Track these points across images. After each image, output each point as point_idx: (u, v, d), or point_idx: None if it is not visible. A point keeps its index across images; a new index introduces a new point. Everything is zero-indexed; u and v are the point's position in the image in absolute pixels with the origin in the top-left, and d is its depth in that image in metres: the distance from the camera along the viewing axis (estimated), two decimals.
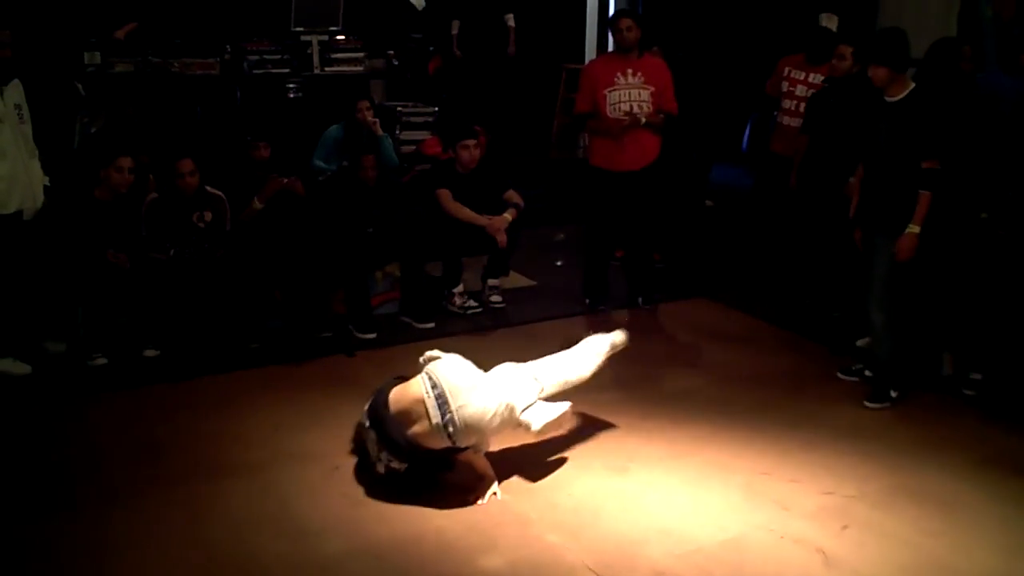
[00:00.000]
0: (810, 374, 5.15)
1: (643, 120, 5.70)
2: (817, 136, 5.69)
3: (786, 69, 6.34)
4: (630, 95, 5.74)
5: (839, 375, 5.01)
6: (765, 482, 3.94)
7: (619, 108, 5.73)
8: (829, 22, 6.36)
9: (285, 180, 5.60)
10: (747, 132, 9.61)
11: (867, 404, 4.71)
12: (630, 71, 5.75)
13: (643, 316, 6.12)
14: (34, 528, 3.55)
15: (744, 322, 6.02)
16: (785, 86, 6.33)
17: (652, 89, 5.77)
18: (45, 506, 3.70)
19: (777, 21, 8.88)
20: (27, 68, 4.95)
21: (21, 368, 4.86)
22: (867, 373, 4.90)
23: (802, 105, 6.13)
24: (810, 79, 6.16)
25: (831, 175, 5.45)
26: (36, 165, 4.89)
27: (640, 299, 6.20)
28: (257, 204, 5.49)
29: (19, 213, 4.79)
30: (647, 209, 6.01)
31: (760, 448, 4.24)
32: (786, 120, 6.32)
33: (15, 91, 4.76)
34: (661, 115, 5.81)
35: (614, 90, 5.74)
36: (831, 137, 5.51)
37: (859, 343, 5.29)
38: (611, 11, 12.20)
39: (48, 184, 4.97)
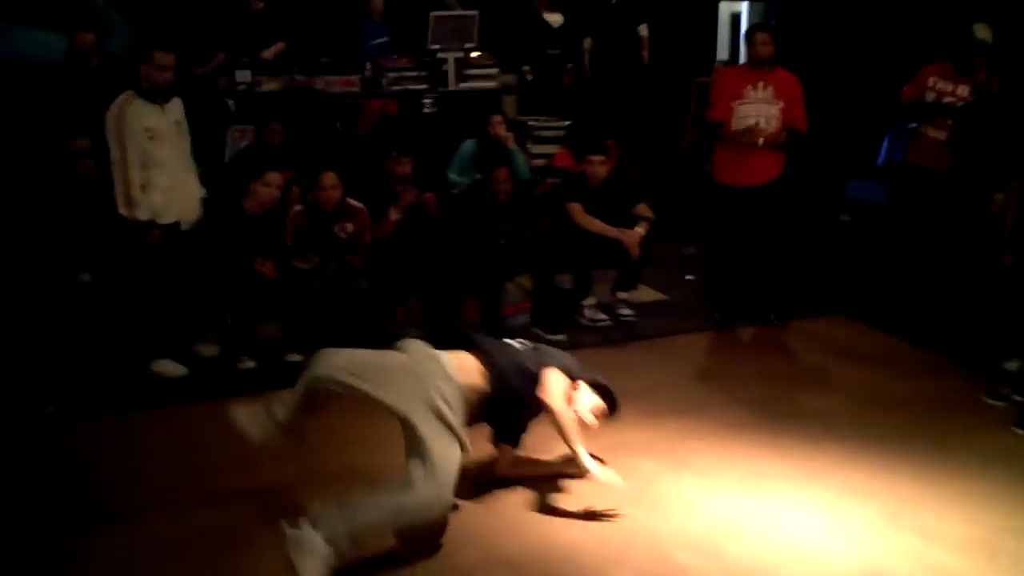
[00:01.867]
0: (954, 397, 4.96)
1: (760, 142, 5.63)
2: (964, 151, 5.49)
3: (931, 79, 6.13)
4: (758, 110, 5.68)
5: (986, 400, 4.81)
6: (906, 509, 3.82)
7: (745, 122, 5.67)
8: (984, 33, 6.11)
9: (422, 194, 5.76)
10: (884, 146, 9.33)
11: (1015, 430, 4.52)
12: (761, 84, 5.68)
13: (775, 333, 6.02)
14: (172, 518, 3.76)
15: (882, 341, 5.85)
16: (930, 96, 6.12)
17: (781, 104, 5.68)
18: (204, 499, 3.90)
19: (919, 29, 8.60)
20: (185, 86, 5.25)
21: (177, 369, 5.15)
22: (1016, 398, 4.68)
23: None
24: (958, 91, 5.95)
25: (979, 191, 5.25)
26: (193, 178, 5.19)
27: (772, 315, 6.10)
28: (393, 215, 5.65)
29: (177, 223, 5.08)
30: (773, 225, 5.92)
31: (900, 473, 4.11)
32: (931, 132, 6.11)
33: (175, 108, 5.06)
34: (784, 133, 5.71)
35: (743, 103, 5.69)
36: (980, 153, 5.31)
37: (1007, 366, 5.07)
38: (743, 24, 12.09)
39: (204, 197, 5.26)
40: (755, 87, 5.69)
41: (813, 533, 3.66)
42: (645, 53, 8.77)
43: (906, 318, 6.05)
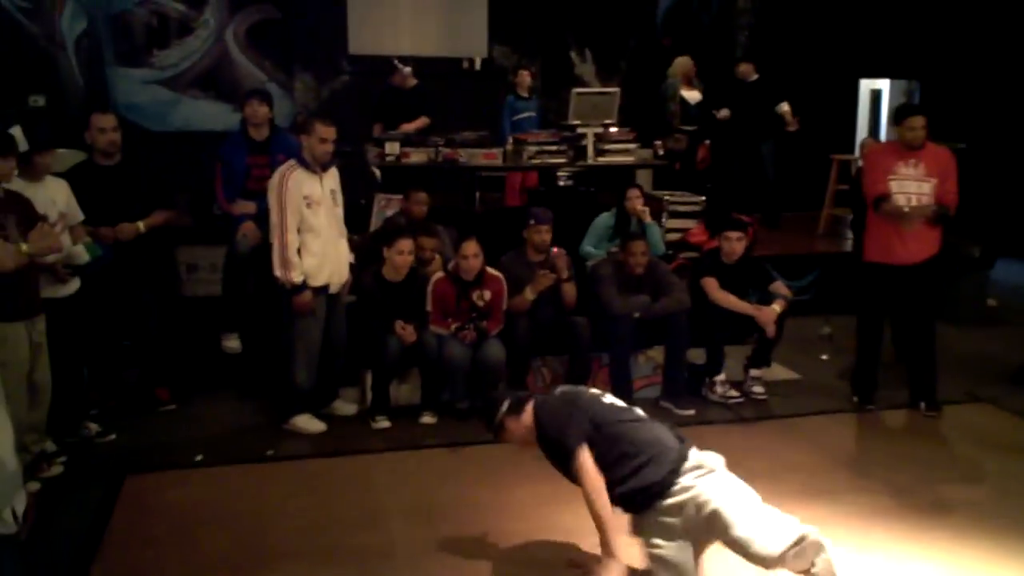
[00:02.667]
0: None
1: (928, 216, 5.53)
2: None
3: None
4: (910, 187, 5.58)
5: None
6: None
7: (898, 199, 5.57)
8: None
9: (554, 249, 5.89)
10: None
11: None
12: (912, 161, 5.58)
13: (914, 418, 5.82)
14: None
15: None
16: None
17: (934, 181, 5.57)
18: (331, 552, 4.05)
19: None
20: (339, 156, 5.56)
21: (317, 426, 5.38)
22: None
23: None
24: None
25: None
26: (344, 244, 5.47)
27: (923, 404, 5.85)
28: (529, 295, 5.77)
29: (327, 286, 5.35)
30: (927, 303, 5.75)
31: None
32: None
33: (332, 177, 5.37)
34: (935, 208, 5.58)
35: (895, 179, 5.59)
36: None
37: None
38: (883, 100, 11.90)
39: (353, 262, 5.54)
40: (907, 163, 5.59)
41: None
42: (793, 125, 8.78)
43: None
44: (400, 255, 5.47)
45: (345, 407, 5.63)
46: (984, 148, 6.84)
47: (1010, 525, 4.33)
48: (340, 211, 5.43)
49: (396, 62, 8.04)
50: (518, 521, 4.36)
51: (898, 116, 5.76)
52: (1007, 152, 7.42)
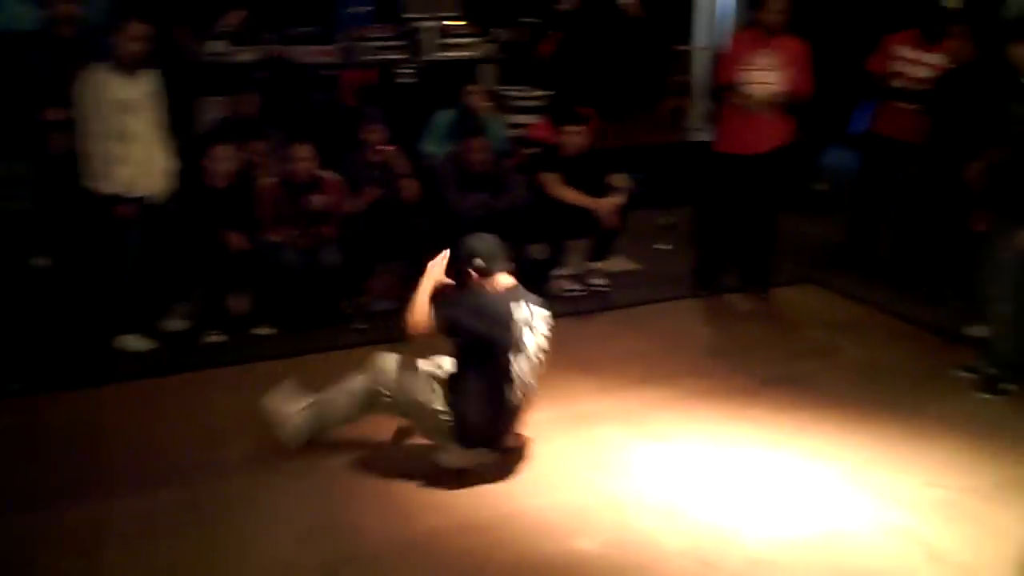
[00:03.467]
0: (921, 363, 5.01)
1: (770, 107, 5.61)
2: (941, 120, 5.48)
3: (897, 48, 6.06)
4: (763, 76, 5.63)
5: (957, 372, 4.79)
6: (869, 471, 3.87)
7: (752, 89, 5.63)
8: (954, 1, 6.03)
9: (386, 148, 5.73)
10: (858, 115, 9.30)
11: (978, 395, 4.56)
12: (766, 51, 5.62)
13: (747, 301, 6.04)
14: (151, 498, 3.77)
15: (854, 310, 5.88)
16: (898, 67, 6.04)
17: (787, 71, 5.63)
18: (163, 477, 3.91)
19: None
20: (156, 58, 5.19)
21: (145, 344, 5.15)
22: (987, 370, 4.65)
23: (914, 87, 5.90)
24: (927, 59, 5.91)
25: (956, 160, 5.26)
26: (165, 151, 5.15)
27: (754, 287, 6.08)
28: (368, 195, 5.63)
29: (146, 196, 5.05)
30: (771, 193, 5.90)
31: (866, 437, 4.16)
32: (898, 103, 6.06)
33: (151, 80, 5.01)
34: (790, 98, 5.67)
35: (749, 70, 5.63)
36: (956, 121, 5.31)
37: (973, 332, 5.10)
38: None
39: (176, 169, 5.23)
40: (760, 54, 5.62)
41: (776, 496, 3.71)
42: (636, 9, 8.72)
43: (877, 286, 6.08)
44: (219, 162, 5.21)
45: (175, 323, 5.39)
46: (816, 39, 6.96)
47: (825, 397, 4.59)
48: (160, 116, 5.10)
49: None
50: (358, 426, 4.31)
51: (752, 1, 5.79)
52: (837, 43, 7.57)
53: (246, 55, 6.85)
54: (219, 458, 4.04)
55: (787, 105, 5.67)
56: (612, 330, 5.56)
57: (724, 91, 5.78)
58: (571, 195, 5.92)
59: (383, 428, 4.26)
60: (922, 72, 5.91)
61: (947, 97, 5.52)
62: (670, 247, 6.99)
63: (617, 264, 6.41)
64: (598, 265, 6.18)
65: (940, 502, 3.64)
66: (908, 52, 6.00)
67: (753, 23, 5.94)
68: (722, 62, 5.88)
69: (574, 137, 6.02)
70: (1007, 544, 3.36)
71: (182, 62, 6.55)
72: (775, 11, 5.58)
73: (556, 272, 6.05)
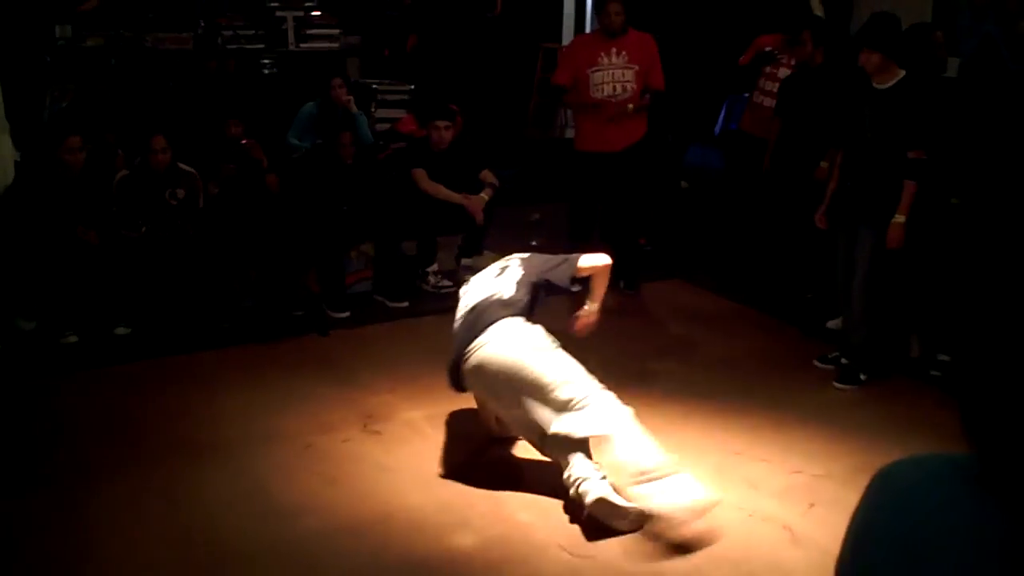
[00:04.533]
0: (782, 356, 5.20)
1: (631, 108, 5.71)
2: (790, 120, 5.72)
3: (767, 49, 6.29)
4: (613, 75, 5.72)
5: (816, 363, 5.00)
6: (736, 462, 3.99)
7: (602, 88, 5.71)
8: (818, 8, 6.29)
9: (244, 141, 5.56)
10: (722, 114, 9.63)
11: (836, 385, 4.77)
12: (614, 51, 5.71)
13: (621, 297, 6.14)
14: (5, 505, 3.54)
15: (718, 304, 6.06)
16: (767, 67, 6.28)
17: (637, 68, 5.74)
18: (17, 483, 3.69)
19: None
20: None
21: None
22: (843, 361, 4.87)
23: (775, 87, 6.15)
24: (793, 63, 6.16)
25: (803, 159, 5.50)
26: (6, 140, 4.85)
27: (622, 283, 6.18)
28: (212, 190, 5.44)
29: None
30: (632, 190, 6.01)
31: (732, 429, 4.28)
32: (767, 102, 6.30)
33: None
34: (647, 96, 5.80)
35: (597, 70, 5.71)
36: (804, 122, 5.55)
37: (830, 324, 5.35)
38: None
39: (19, 159, 4.91)
40: (608, 53, 5.70)
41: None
42: (498, 7, 8.73)
43: (740, 281, 6.29)
44: (70, 153, 4.92)
45: (25, 323, 5.06)
46: (679, 37, 7.15)
47: (694, 390, 4.70)
48: None
49: None
50: (229, 428, 4.17)
51: (598, 4, 5.89)
52: (700, 42, 7.81)
53: (95, 41, 6.52)
54: (86, 462, 3.84)
55: (645, 103, 5.79)
56: None
57: (559, 92, 5.89)
58: (440, 190, 5.88)
59: (251, 430, 4.13)
60: (782, 73, 6.16)
61: (792, 99, 5.76)
62: (535, 243, 7.02)
63: (487, 260, 6.39)
64: (468, 261, 6.15)
65: (802, 489, 3.78)
66: (775, 53, 6.23)
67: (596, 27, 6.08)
68: (560, 63, 5.97)
69: (442, 132, 5.98)
70: None
71: (27, 47, 6.19)
72: (613, 13, 5.69)
73: (427, 268, 6.00)
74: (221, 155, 5.51)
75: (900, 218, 4.41)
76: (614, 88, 5.71)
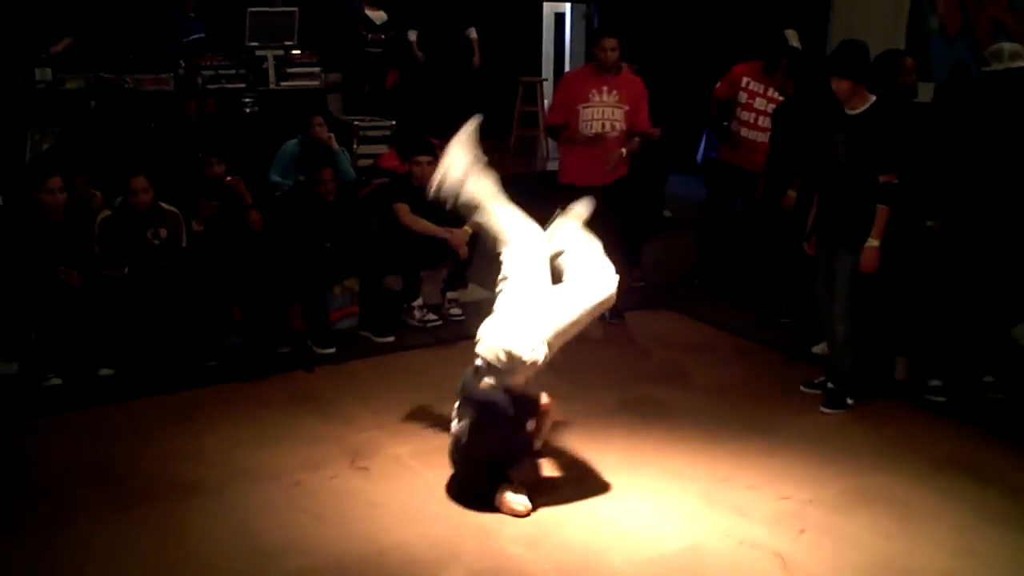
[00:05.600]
0: (767, 381, 5.21)
1: (624, 153, 5.77)
2: (776, 149, 5.79)
3: (744, 79, 6.35)
4: (603, 113, 5.75)
5: (803, 388, 5.02)
6: (723, 489, 3.98)
7: (591, 126, 5.75)
8: (795, 40, 6.36)
9: (228, 179, 5.57)
10: (703, 143, 9.72)
11: (823, 410, 4.78)
12: (605, 88, 5.75)
13: (606, 327, 6.15)
14: None
15: (703, 331, 6.08)
16: (743, 97, 6.36)
17: (626, 108, 5.77)
18: (0, 527, 3.64)
19: (734, 29, 9.00)
20: None
21: None
22: (830, 386, 4.88)
23: (760, 118, 6.22)
24: (769, 92, 6.23)
25: (782, 188, 5.58)
26: None
27: (606, 315, 6.19)
28: (195, 227, 5.43)
29: None
30: (617, 223, 6.04)
31: (719, 455, 4.28)
32: (743, 132, 6.36)
33: None
34: (636, 139, 5.86)
35: (588, 107, 5.75)
36: (784, 151, 5.62)
37: (815, 350, 5.37)
38: (567, 23, 12.35)
39: (0, 202, 4.90)
40: (599, 91, 5.74)
41: (637, 517, 3.76)
42: (476, 58, 8.81)
43: (724, 309, 6.32)
44: (51, 195, 4.91)
45: (7, 366, 5.02)
46: (659, 69, 7.24)
47: (680, 416, 4.72)
48: None
49: None
50: (215, 467, 4.13)
51: (593, 38, 5.98)
52: (680, 72, 7.92)
53: (75, 83, 6.53)
54: (71, 504, 3.80)
55: (636, 148, 5.84)
56: (469, 359, 5.50)
57: (556, 131, 5.95)
58: (424, 225, 5.89)
59: (238, 468, 4.10)
60: (764, 104, 6.23)
61: (778, 128, 5.84)
62: None
63: (472, 293, 6.41)
64: (453, 295, 6.16)
65: (791, 514, 3.78)
66: (753, 83, 6.32)
67: (588, 61, 6.14)
68: (554, 101, 6.03)
69: (424, 167, 5.99)
70: (853, 551, 3.51)
71: (7, 89, 6.21)
72: (608, 48, 5.73)
73: (411, 303, 5.99)
74: (204, 192, 5.50)
75: (874, 242, 4.46)
76: (603, 126, 5.75)
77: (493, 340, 3.88)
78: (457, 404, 3.88)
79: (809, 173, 5.05)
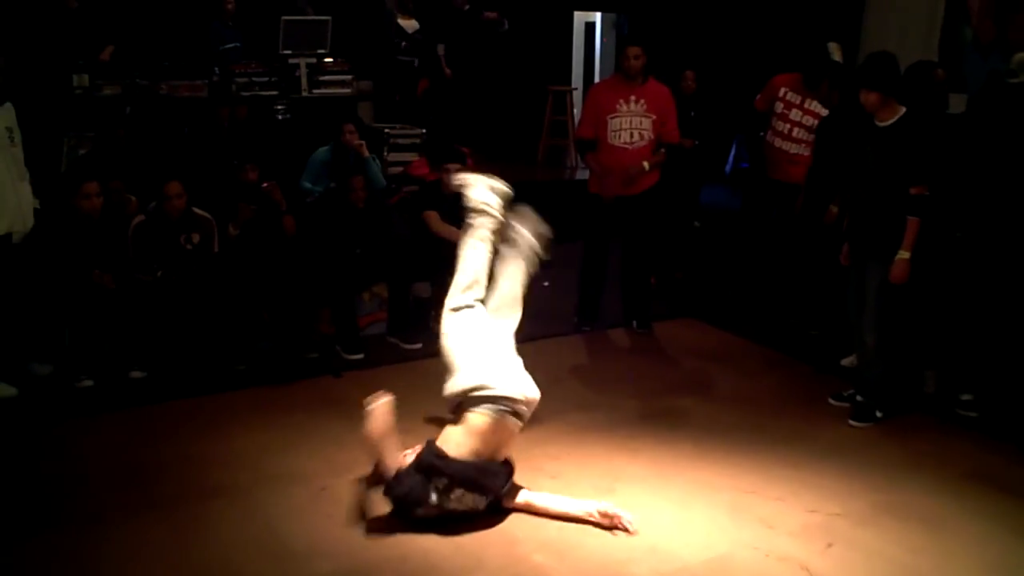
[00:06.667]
0: (795, 393, 5.19)
1: (647, 166, 5.76)
2: (819, 162, 5.76)
3: (781, 90, 6.28)
4: (631, 123, 5.77)
5: (831, 401, 4.99)
6: (750, 501, 3.96)
7: (619, 136, 5.77)
8: (837, 54, 6.29)
9: (264, 184, 5.63)
10: (732, 154, 9.69)
11: (852, 423, 4.75)
12: (632, 98, 5.78)
13: (630, 336, 6.16)
14: (20, 548, 3.54)
15: (731, 342, 6.06)
16: (779, 107, 6.29)
17: (654, 118, 5.79)
18: (31, 527, 3.68)
19: (770, 41, 8.96)
20: (16, 91, 4.97)
21: (7, 390, 4.85)
22: (858, 399, 4.84)
23: (795, 130, 6.17)
24: (806, 105, 6.17)
25: (823, 201, 5.55)
26: (26, 188, 4.90)
27: (635, 322, 6.21)
28: (232, 231, 5.50)
29: (8, 235, 4.79)
30: (645, 232, 6.05)
31: (745, 467, 4.26)
32: (777, 143, 6.30)
33: (6, 114, 4.78)
34: (663, 151, 5.86)
35: (615, 117, 5.77)
36: (825, 164, 5.59)
37: (844, 362, 5.34)
38: (597, 34, 12.36)
39: (38, 207, 4.98)
40: (627, 100, 5.77)
41: (663, 528, 3.75)
42: (447, 71, 8.88)
43: (753, 319, 6.29)
44: (87, 199, 4.99)
45: (41, 367, 5.10)
46: (696, 80, 7.22)
47: (707, 429, 4.69)
48: (19, 152, 4.86)
49: None
50: (243, 470, 4.17)
51: (619, 47, 5.98)
52: (709, 83, 7.89)
53: (112, 89, 6.63)
54: (100, 505, 3.85)
55: (661, 159, 5.84)
56: None
57: (584, 144, 5.95)
58: (453, 232, 5.90)
59: (265, 472, 4.14)
60: (800, 116, 6.18)
61: (821, 141, 5.80)
62: (547, 284, 7.04)
63: None
64: None
65: (818, 528, 3.75)
66: (790, 94, 6.26)
67: (616, 70, 6.14)
68: (583, 115, 6.04)
69: (452, 175, 6.02)
70: (882, 566, 3.48)
71: (45, 96, 6.31)
72: (632, 57, 5.75)
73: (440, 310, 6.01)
74: (240, 197, 5.57)
75: (904, 254, 4.43)
76: (631, 135, 5.76)
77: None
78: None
79: (843, 187, 5.02)
